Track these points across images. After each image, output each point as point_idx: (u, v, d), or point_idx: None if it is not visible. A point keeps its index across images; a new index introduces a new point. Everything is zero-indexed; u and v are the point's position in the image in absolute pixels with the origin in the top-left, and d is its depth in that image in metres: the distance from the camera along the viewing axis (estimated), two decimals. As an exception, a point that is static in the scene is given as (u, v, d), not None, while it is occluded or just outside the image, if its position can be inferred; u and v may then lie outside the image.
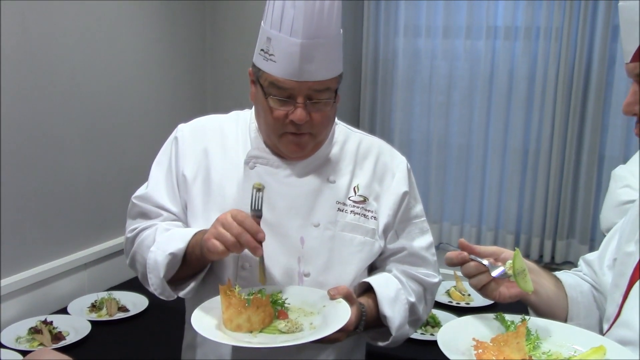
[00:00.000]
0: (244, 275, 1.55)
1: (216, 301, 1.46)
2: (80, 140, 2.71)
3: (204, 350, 1.63)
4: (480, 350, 1.20)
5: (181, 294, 1.58)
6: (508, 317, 1.35)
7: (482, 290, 1.39)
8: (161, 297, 1.58)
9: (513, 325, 1.31)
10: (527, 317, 1.33)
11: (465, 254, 1.38)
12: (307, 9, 1.42)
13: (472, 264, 1.38)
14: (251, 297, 1.41)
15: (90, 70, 2.73)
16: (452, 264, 1.40)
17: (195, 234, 1.51)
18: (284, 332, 1.38)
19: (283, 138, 1.53)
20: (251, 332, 1.37)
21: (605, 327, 1.33)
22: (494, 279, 1.37)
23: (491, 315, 1.37)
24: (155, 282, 1.55)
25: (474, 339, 1.23)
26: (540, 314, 1.44)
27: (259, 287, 1.49)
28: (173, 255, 1.50)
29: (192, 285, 1.57)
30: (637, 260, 1.24)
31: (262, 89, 1.50)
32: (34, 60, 2.46)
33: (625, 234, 1.36)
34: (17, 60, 2.39)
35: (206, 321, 1.41)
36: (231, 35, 3.46)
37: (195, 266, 1.54)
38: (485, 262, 1.37)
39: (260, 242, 1.40)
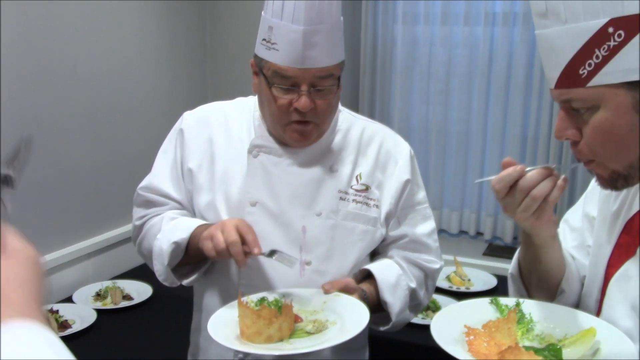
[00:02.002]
0: (247, 273, 1.57)
1: (229, 311, 1.45)
2: (83, 130, 2.73)
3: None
4: (472, 337, 1.19)
5: (185, 282, 1.62)
6: (503, 301, 1.33)
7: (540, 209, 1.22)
8: (165, 284, 1.62)
9: (508, 309, 1.30)
10: (521, 301, 1.32)
11: (521, 166, 1.23)
12: None
13: (534, 171, 1.22)
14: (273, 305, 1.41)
15: (92, 63, 2.74)
16: (504, 185, 1.23)
17: (199, 226, 1.54)
18: (311, 333, 1.37)
19: (288, 127, 1.54)
20: (281, 340, 1.35)
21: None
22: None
23: (486, 300, 1.35)
24: (159, 269, 1.59)
25: (465, 326, 1.23)
26: (544, 261, 1.36)
27: (261, 294, 1.50)
28: (177, 244, 1.53)
29: (195, 276, 1.61)
30: (608, 256, 1.24)
31: (266, 78, 1.51)
32: (36, 52, 2.47)
33: (599, 225, 1.33)
34: (20, 51, 2.40)
35: (229, 334, 1.37)
36: (231, 26, 3.46)
37: (198, 256, 1.57)
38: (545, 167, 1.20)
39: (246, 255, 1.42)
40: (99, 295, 2.61)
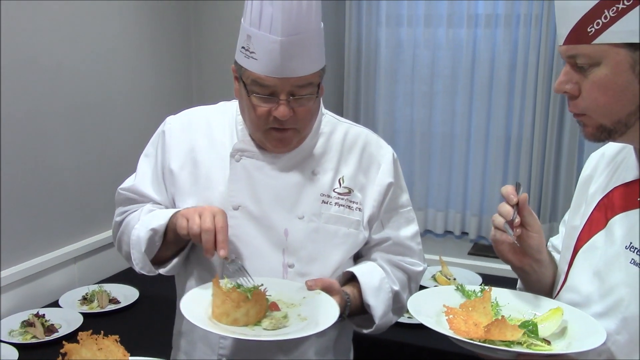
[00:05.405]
0: (229, 265, 1.57)
1: (204, 292, 1.47)
2: (69, 134, 2.73)
3: (193, 338, 1.66)
4: (451, 316, 1.29)
5: (162, 270, 1.63)
6: (469, 287, 1.43)
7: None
8: (142, 272, 1.62)
9: (474, 294, 1.39)
10: (486, 287, 1.40)
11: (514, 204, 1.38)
12: (285, 6, 1.41)
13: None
14: (246, 291, 1.42)
15: (76, 65, 2.74)
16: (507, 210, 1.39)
17: (177, 212, 1.55)
18: (268, 330, 1.38)
19: (267, 134, 1.54)
20: (247, 325, 1.38)
21: (553, 295, 1.41)
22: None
23: (452, 288, 1.45)
24: (137, 257, 1.60)
25: (444, 306, 1.32)
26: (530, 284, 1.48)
27: (240, 280, 1.50)
28: (154, 230, 1.54)
29: (173, 262, 1.61)
30: (580, 230, 1.34)
31: (245, 86, 1.51)
32: (20, 55, 2.47)
33: (572, 210, 1.47)
34: (4, 55, 2.40)
35: (200, 313, 1.40)
36: (215, 31, 3.47)
37: (176, 244, 1.58)
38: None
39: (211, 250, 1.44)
40: (85, 299, 2.60)
